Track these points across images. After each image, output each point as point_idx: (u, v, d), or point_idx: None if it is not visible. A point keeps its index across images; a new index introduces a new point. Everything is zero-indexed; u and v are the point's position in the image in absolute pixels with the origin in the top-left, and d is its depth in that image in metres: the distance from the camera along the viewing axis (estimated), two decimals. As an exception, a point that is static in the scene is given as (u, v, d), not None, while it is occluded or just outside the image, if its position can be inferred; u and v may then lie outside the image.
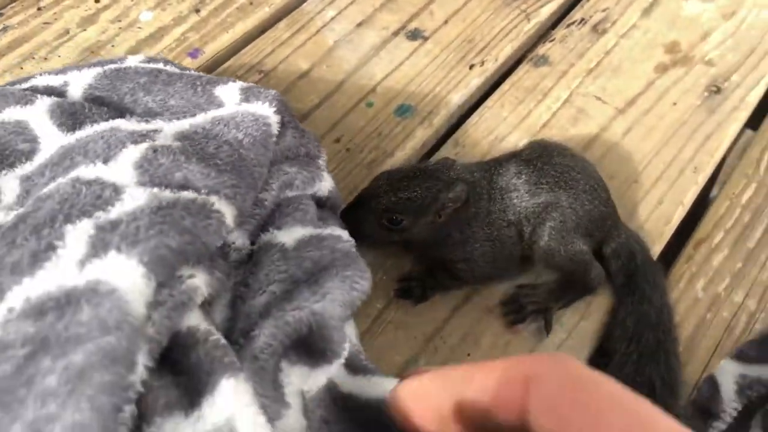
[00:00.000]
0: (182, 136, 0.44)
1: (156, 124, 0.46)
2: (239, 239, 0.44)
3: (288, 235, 0.45)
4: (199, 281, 0.35)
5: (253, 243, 0.45)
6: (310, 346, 0.40)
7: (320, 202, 0.52)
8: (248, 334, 0.37)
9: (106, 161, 0.40)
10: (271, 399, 0.35)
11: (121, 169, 0.39)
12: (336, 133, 0.66)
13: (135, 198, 0.36)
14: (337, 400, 0.40)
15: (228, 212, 0.38)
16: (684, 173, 0.65)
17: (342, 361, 0.42)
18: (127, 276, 0.30)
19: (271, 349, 0.36)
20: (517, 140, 0.66)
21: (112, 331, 0.27)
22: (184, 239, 0.33)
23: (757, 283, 0.59)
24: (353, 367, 0.42)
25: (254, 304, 0.40)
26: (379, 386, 0.40)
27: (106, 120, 0.47)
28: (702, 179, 0.65)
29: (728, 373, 0.51)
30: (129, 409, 0.27)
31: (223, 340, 0.34)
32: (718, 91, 0.71)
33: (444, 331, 0.55)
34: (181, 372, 0.32)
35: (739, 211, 0.63)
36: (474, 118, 0.68)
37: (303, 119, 0.66)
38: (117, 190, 0.37)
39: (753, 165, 0.66)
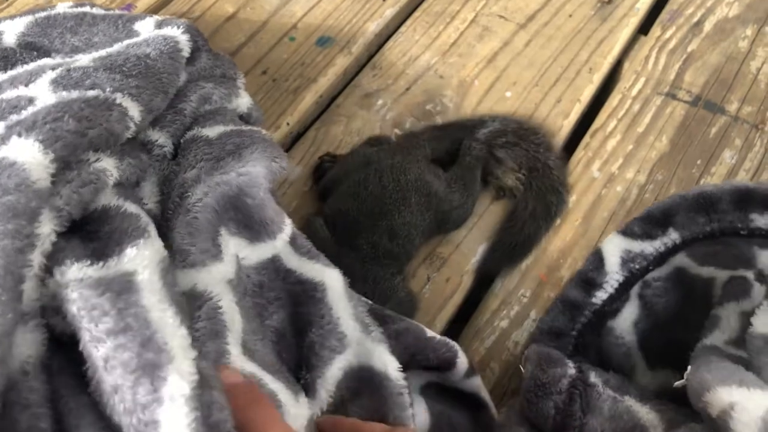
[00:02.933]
0: (97, 59, 0.49)
1: (77, 57, 0.51)
2: (161, 138, 0.50)
3: (211, 131, 0.51)
4: (106, 164, 0.40)
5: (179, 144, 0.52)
6: (247, 219, 0.46)
7: (242, 118, 0.57)
8: (182, 196, 0.44)
9: (27, 84, 0.45)
10: (202, 249, 0.41)
11: (39, 87, 0.44)
12: (262, 66, 0.71)
13: (44, 101, 0.41)
14: (279, 272, 0.46)
15: (132, 107, 0.44)
16: (580, 74, 0.72)
17: (286, 238, 0.48)
18: (24, 152, 0.35)
19: (201, 203, 0.43)
20: (429, 59, 0.73)
21: (12, 191, 0.32)
22: (81, 125, 0.38)
23: (645, 160, 0.66)
24: (298, 248, 0.48)
25: (186, 177, 0.46)
26: (318, 272, 0.47)
27: (35, 60, 0.53)
28: (597, 78, 0.72)
29: (615, 247, 0.56)
30: (35, 257, 0.32)
31: (136, 213, 0.39)
32: (610, 1, 0.78)
33: (369, 226, 0.61)
34: (94, 240, 0.36)
35: (630, 102, 0.70)
36: (389, 43, 0.75)
37: (231, 57, 0.72)
38: (31, 100, 0.42)
39: (642, 62, 0.73)
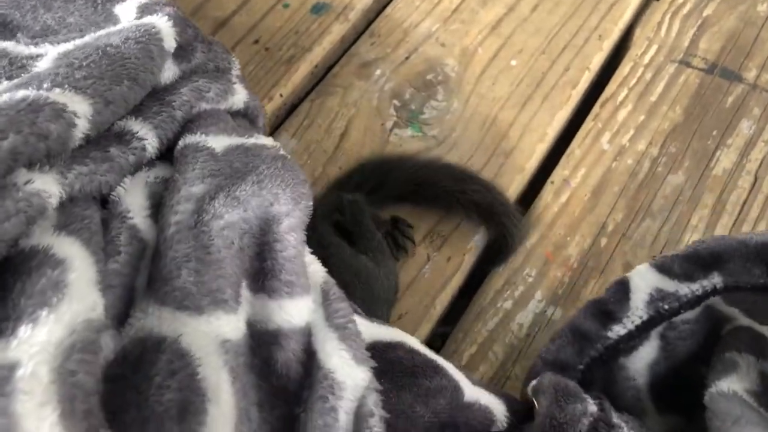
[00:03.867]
0: (62, 56, 0.43)
1: (43, 48, 0.46)
2: (141, 129, 0.43)
3: (216, 141, 0.44)
4: (41, 184, 0.33)
5: (170, 142, 0.45)
6: (275, 267, 0.38)
7: (238, 114, 0.51)
8: (197, 216, 0.37)
9: None
10: (207, 290, 0.35)
11: None
12: (254, 35, 0.68)
13: None
14: (306, 350, 0.38)
15: (77, 101, 0.37)
16: (590, 41, 0.68)
17: (317, 298, 0.40)
18: None
19: (220, 233, 0.37)
20: (430, 26, 0.69)
21: None
22: None
23: (658, 131, 0.63)
24: (332, 316, 0.40)
25: (193, 192, 0.39)
26: (346, 366, 0.37)
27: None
28: (607, 45, 0.68)
29: (645, 283, 0.47)
30: None
31: (63, 258, 0.32)
32: (621, -37, 0.74)
33: (367, 202, 0.58)
34: (1, 301, 0.30)
35: (642, 70, 0.67)
36: (388, 10, 0.71)
37: (222, 26, 0.68)
38: None
39: (654, 28, 0.69)
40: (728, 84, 0.65)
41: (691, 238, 0.57)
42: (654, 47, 0.68)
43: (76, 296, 0.30)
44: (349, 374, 0.37)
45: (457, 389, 0.41)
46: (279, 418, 0.36)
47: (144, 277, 0.37)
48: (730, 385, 0.41)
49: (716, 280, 0.45)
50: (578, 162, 0.61)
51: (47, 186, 0.33)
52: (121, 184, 0.40)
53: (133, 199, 0.40)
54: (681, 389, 0.46)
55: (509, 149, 0.62)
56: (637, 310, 0.46)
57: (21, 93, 0.35)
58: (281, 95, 0.64)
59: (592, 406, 0.40)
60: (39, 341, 0.28)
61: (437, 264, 0.56)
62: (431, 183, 0.57)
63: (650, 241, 0.57)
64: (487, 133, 0.63)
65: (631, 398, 0.46)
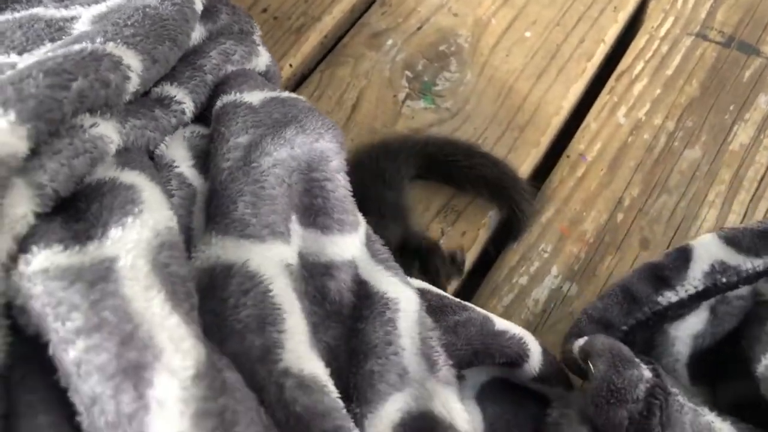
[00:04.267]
0: (99, 17, 0.44)
1: (74, 10, 0.46)
2: (179, 94, 0.44)
3: (251, 96, 0.45)
4: (104, 129, 0.35)
5: (205, 107, 0.46)
6: (324, 204, 0.40)
7: (261, 77, 0.52)
8: (247, 161, 0.38)
9: (20, 53, 0.40)
10: (264, 223, 0.36)
11: (32, 59, 0.37)
12: (263, 4, 0.66)
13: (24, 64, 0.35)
14: (354, 281, 0.40)
15: (129, 55, 0.37)
16: (605, 12, 0.67)
17: (363, 238, 0.41)
18: None
19: (270, 173, 0.38)
20: (443, -5, 0.68)
21: None
22: (60, 78, 0.32)
23: (674, 105, 0.62)
24: (375, 253, 0.42)
25: (239, 142, 0.40)
26: (394, 287, 0.40)
27: (26, 7, 0.47)
28: (622, 17, 0.67)
29: (709, 254, 0.46)
30: (1, 242, 0.27)
31: (131, 183, 0.33)
32: (637, -67, 0.72)
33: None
34: (80, 221, 0.31)
35: (658, 42, 0.65)
36: (399, -22, 0.69)
37: (229, -7, 0.66)
38: (13, 66, 0.36)
39: (670, 0, 0.68)
40: (746, 57, 0.64)
41: (708, 213, 0.56)
42: (670, 19, 0.67)
43: (154, 209, 0.32)
44: (400, 292, 0.40)
45: (487, 319, 0.43)
46: (334, 337, 0.38)
47: (199, 220, 0.39)
48: None
49: None
50: (594, 136, 0.60)
51: (109, 132, 0.35)
52: (164, 142, 0.42)
53: (175, 151, 0.41)
54: (716, 362, 0.45)
55: (524, 123, 0.60)
56: (694, 280, 0.45)
57: (77, 46, 0.36)
58: (291, 65, 0.62)
59: (647, 372, 0.40)
60: (132, 239, 0.29)
61: (451, 239, 0.55)
62: (440, 160, 0.56)
63: (667, 217, 0.56)
64: (501, 106, 0.61)
65: (668, 364, 0.46)
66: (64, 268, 0.27)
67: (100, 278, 0.27)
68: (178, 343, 0.27)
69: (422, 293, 0.41)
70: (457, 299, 0.44)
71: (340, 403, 0.32)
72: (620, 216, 0.56)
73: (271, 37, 0.64)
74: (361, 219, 0.42)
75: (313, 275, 0.39)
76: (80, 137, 0.33)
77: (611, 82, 0.63)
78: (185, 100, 0.43)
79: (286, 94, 0.46)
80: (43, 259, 0.27)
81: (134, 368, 0.25)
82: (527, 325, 0.51)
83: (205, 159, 0.41)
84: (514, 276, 0.53)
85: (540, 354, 0.43)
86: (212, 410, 0.26)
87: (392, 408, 0.36)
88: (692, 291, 0.45)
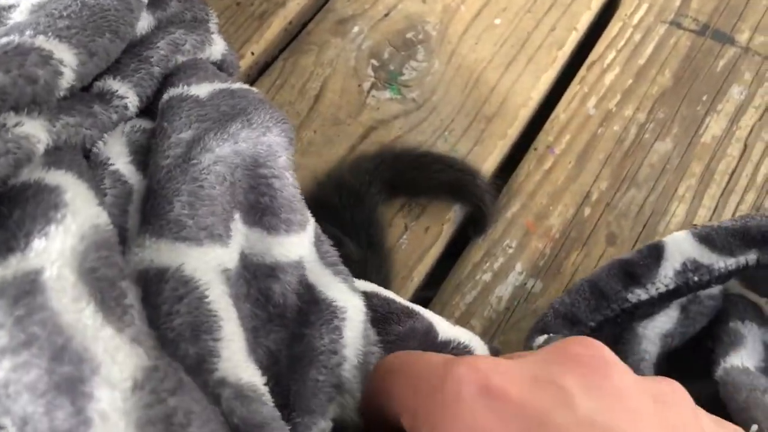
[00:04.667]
0: (38, 6, 0.41)
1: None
2: (121, 88, 0.41)
3: (199, 89, 0.42)
4: (30, 128, 0.32)
5: (152, 100, 0.44)
6: (270, 202, 0.38)
7: (214, 66, 0.51)
8: (186, 159, 0.36)
9: None
10: (201, 225, 0.34)
11: None
12: (225, -12, 0.64)
13: None
14: (301, 283, 0.38)
15: (62, 49, 0.35)
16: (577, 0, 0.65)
17: (311, 237, 0.39)
18: None
19: (209, 171, 0.36)
20: (411, -19, 0.66)
21: None
22: None
23: (646, 97, 0.60)
24: (324, 255, 0.40)
25: (181, 138, 0.38)
26: (343, 295, 0.38)
27: None
28: (596, 4, 0.65)
29: (680, 252, 0.45)
30: None
31: (56, 185, 0.31)
32: None
33: (342, 168, 0.56)
34: (0, 228, 0.29)
35: (631, 31, 0.64)
36: (367, -37, 0.67)
37: (190, -23, 0.64)
38: None
39: (645, -14, 0.66)
40: (720, 46, 0.63)
41: (677, 208, 0.55)
42: (644, 6, 0.65)
43: (78, 209, 0.30)
44: (347, 300, 0.38)
45: (431, 329, 0.41)
46: (275, 341, 0.36)
47: (135, 220, 0.37)
48: (742, 361, 0.40)
49: (751, 257, 0.43)
50: (563, 127, 0.59)
51: (36, 131, 0.32)
52: (102, 139, 0.39)
53: (112, 148, 0.39)
54: (684, 361, 0.45)
55: (491, 114, 0.59)
56: (665, 278, 0.44)
57: (4, 39, 0.34)
58: (252, 53, 0.61)
59: None
60: (55, 249, 0.28)
61: (415, 234, 0.53)
62: (396, 175, 0.54)
63: (635, 212, 0.55)
64: (469, 97, 0.60)
65: (634, 363, 0.45)
66: None
67: (25, 293, 0.26)
68: (113, 353, 0.25)
69: (369, 298, 0.40)
70: (406, 303, 0.42)
71: (278, 413, 0.31)
72: (587, 210, 0.55)
73: (233, 24, 0.62)
74: (309, 217, 0.40)
75: (256, 276, 0.37)
76: (2, 137, 0.30)
77: (582, 71, 0.62)
78: (128, 95, 0.41)
79: (237, 85, 0.44)
80: None
81: (69, 383, 0.24)
82: (490, 323, 0.50)
83: (145, 155, 0.39)
84: (478, 272, 0.52)
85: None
86: (158, 416, 0.25)
87: (328, 418, 0.35)
88: (663, 289, 0.45)
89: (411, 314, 0.41)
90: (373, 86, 0.60)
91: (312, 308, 0.37)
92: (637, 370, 0.44)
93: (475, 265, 0.53)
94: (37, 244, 0.28)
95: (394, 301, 0.41)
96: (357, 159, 0.54)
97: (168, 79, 0.44)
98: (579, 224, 0.54)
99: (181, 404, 0.26)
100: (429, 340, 0.40)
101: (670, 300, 0.45)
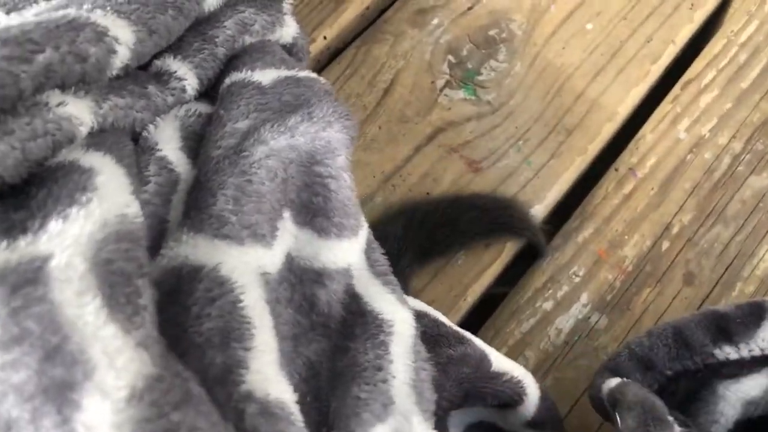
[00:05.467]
0: None
1: None
2: (181, 69, 0.39)
3: (263, 75, 0.40)
4: (74, 108, 0.30)
5: (213, 83, 0.42)
6: (324, 203, 0.36)
7: (284, 50, 0.48)
8: (238, 150, 0.34)
9: (8, 12, 0.36)
10: (245, 223, 0.32)
11: (18, 19, 0.34)
12: (303, -35, 0.61)
13: None
14: (347, 292, 0.36)
15: (119, 25, 0.33)
16: (679, 10, 0.60)
17: (362, 245, 0.37)
18: None
19: (261, 165, 0.33)
20: (500, -26, 0.61)
21: None
22: (21, 49, 0.28)
23: (745, 124, 0.55)
24: (374, 264, 0.37)
25: (237, 127, 0.36)
26: (391, 307, 0.36)
27: None
28: (699, 17, 0.60)
29: None
30: None
31: (90, 167, 0.29)
32: None
33: (404, 170, 0.52)
34: (22, 209, 0.28)
35: (736, 50, 0.58)
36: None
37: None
38: None
39: (757, 2, 0.60)
40: (835, 76, 0.57)
41: (767, 252, 0.50)
42: (754, 23, 0.59)
43: (107, 195, 0.28)
44: (396, 313, 0.35)
45: (483, 358, 0.38)
46: (317, 352, 0.34)
47: (178, 211, 0.35)
48: None
49: None
50: (648, 150, 0.54)
51: (80, 112, 0.30)
52: (154, 123, 0.37)
53: (162, 132, 0.37)
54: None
55: (572, 126, 0.55)
56: (763, 341, 0.40)
57: (60, 12, 0.32)
58: (325, 38, 0.57)
59: None
60: (72, 234, 0.26)
61: (473, 250, 0.50)
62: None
63: (719, 251, 0.50)
64: (550, 105, 0.55)
65: (706, 424, 0.41)
66: None
67: (26, 281, 0.24)
68: (113, 357, 0.23)
69: (418, 318, 0.37)
70: (456, 328, 0.39)
71: None
72: (666, 244, 0.50)
73: (307, 5, 0.59)
74: (363, 222, 0.37)
75: (302, 281, 0.35)
76: (42, 117, 0.29)
77: (676, 89, 0.57)
78: (188, 77, 0.39)
79: (304, 73, 0.41)
80: None
81: (59, 388, 0.22)
82: (546, 357, 0.47)
83: (197, 142, 0.37)
84: (538, 299, 0.48)
85: (537, 398, 0.39)
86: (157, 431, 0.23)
87: None
88: (758, 353, 0.40)
89: (462, 340, 0.38)
90: (447, 84, 0.56)
91: (357, 320, 0.35)
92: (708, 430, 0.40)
93: (537, 291, 0.49)
94: (53, 226, 0.26)
95: (444, 324, 0.39)
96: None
97: (232, 61, 0.41)
98: (655, 258, 0.50)
99: (185, 419, 0.23)
100: (483, 369, 0.37)
101: (762, 366, 0.40)
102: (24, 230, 0.25)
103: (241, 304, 0.30)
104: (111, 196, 0.28)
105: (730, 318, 0.40)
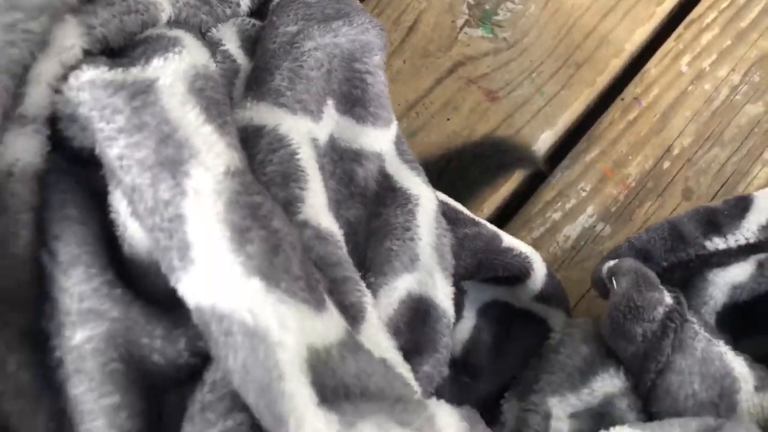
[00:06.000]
0: None
1: None
2: None
3: None
4: None
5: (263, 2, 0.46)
6: (362, 95, 0.41)
7: None
8: (291, 44, 0.39)
9: None
10: (297, 98, 0.37)
11: None
12: None
13: None
14: (380, 172, 0.41)
15: None
16: (684, -43, 0.64)
17: (393, 136, 0.42)
18: None
19: (310, 55, 0.39)
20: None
21: None
22: None
23: (743, 59, 0.59)
24: (402, 153, 0.43)
25: (288, 30, 0.41)
26: (417, 186, 0.41)
27: None
28: (703, -36, 0.64)
29: None
30: (50, 66, 0.30)
31: (177, 36, 0.35)
32: None
33: (426, 99, 0.57)
34: (123, 58, 0.33)
35: (736, -8, 0.62)
36: None
37: None
38: None
39: (758, -51, 0.65)
40: (829, 17, 0.61)
41: (760, 171, 0.54)
42: (754, -31, 0.63)
43: (192, 51, 0.34)
44: (421, 191, 0.41)
45: (495, 236, 0.44)
46: (355, 215, 0.40)
47: (239, 92, 0.40)
48: None
49: None
50: (652, 82, 0.58)
51: (162, 1, 0.36)
52: (215, 27, 0.43)
53: (224, 34, 0.42)
54: (750, 317, 0.45)
55: (582, 61, 0.59)
56: (748, 231, 0.44)
57: None
58: (354, -19, 0.62)
59: (668, 298, 0.40)
60: (171, 68, 0.31)
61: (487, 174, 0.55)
62: None
63: (716, 170, 0.54)
64: (561, 42, 0.60)
65: (698, 305, 0.45)
66: (109, 81, 0.30)
67: (141, 91, 0.30)
68: (211, 146, 0.29)
69: (440, 203, 0.43)
70: (471, 215, 0.44)
71: (351, 260, 0.35)
72: (666, 164, 0.55)
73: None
74: (393, 118, 0.43)
75: (342, 158, 0.40)
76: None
77: (680, 29, 0.61)
78: None
79: None
80: (91, 74, 0.30)
81: (171, 162, 0.28)
82: (554, 259, 0.51)
83: (253, 44, 0.43)
84: (548, 211, 0.53)
85: (544, 275, 0.44)
86: (246, 202, 0.28)
87: (402, 285, 0.38)
88: (743, 242, 0.44)
89: (477, 223, 0.43)
90: (466, 23, 0.61)
91: (389, 194, 0.41)
92: (699, 314, 0.45)
93: (547, 204, 0.53)
94: (156, 62, 0.32)
95: (462, 212, 0.44)
96: None
97: None
98: (657, 176, 0.54)
99: (266, 202, 0.29)
100: (494, 244, 0.42)
101: (748, 254, 0.45)
102: (132, 65, 0.31)
103: (297, 156, 0.35)
104: (195, 53, 0.34)
105: (718, 211, 0.45)
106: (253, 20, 0.44)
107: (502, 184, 0.54)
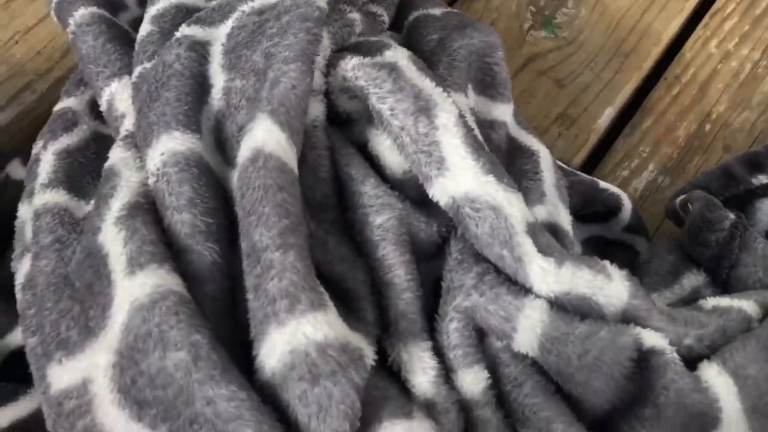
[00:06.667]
0: None
1: None
2: (378, 9, 0.56)
3: (435, 10, 0.57)
4: (355, 17, 0.50)
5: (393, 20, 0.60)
6: (491, 77, 0.53)
7: None
8: (442, 45, 0.52)
9: None
10: (455, 82, 0.50)
11: None
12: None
13: None
14: (508, 136, 0.54)
15: None
16: (703, -40, 0.78)
17: (512, 111, 0.54)
18: None
19: (457, 53, 0.51)
20: (561, -55, 0.80)
21: (302, 5, 0.43)
22: None
23: (760, 40, 0.73)
24: (519, 122, 0.53)
25: (432, 38, 0.53)
26: (534, 143, 0.54)
27: None
28: (719, -35, 0.78)
29: None
30: (320, 56, 0.43)
31: (381, 39, 0.49)
32: None
33: (507, 90, 0.71)
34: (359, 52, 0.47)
35: (749, -14, 0.76)
36: (523, -70, 0.82)
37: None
38: None
39: (763, -50, 0.78)
40: (827, 1, 0.74)
41: (784, 127, 0.67)
42: (762, -33, 0.77)
43: (401, 49, 0.47)
44: (539, 147, 0.54)
45: (593, 182, 0.57)
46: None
47: None
48: None
49: None
50: (688, 63, 0.72)
51: (356, 19, 0.50)
52: None
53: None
54: None
55: (628, 51, 0.73)
56: None
57: None
58: None
59: (732, 215, 0.52)
60: (401, 55, 0.46)
61: (567, 140, 0.68)
62: None
63: (748, 128, 0.68)
64: (610, 37, 0.74)
65: (750, 224, 0.55)
66: (372, 63, 0.43)
67: (392, 68, 0.42)
68: (445, 99, 0.42)
69: None
70: (572, 169, 0.58)
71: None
72: (708, 126, 0.68)
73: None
74: (511, 97, 0.55)
75: (482, 125, 0.52)
76: (343, 17, 0.49)
77: (706, 19, 0.75)
78: (384, 15, 0.57)
79: (454, 10, 0.59)
80: (355, 61, 0.43)
81: (425, 110, 0.41)
82: (627, 207, 0.64)
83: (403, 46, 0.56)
84: (618, 170, 0.66)
85: (630, 210, 0.57)
86: (473, 133, 0.41)
87: (536, 214, 0.50)
88: None
89: (577, 174, 0.58)
90: (531, 27, 0.74)
91: (516, 151, 0.54)
92: (749, 229, 0.58)
93: (616, 165, 0.67)
94: (388, 53, 0.45)
95: (564, 167, 0.57)
96: None
97: (405, 5, 0.59)
98: (700, 137, 0.68)
99: (479, 135, 0.44)
100: (593, 187, 0.56)
101: None
102: (372, 54, 0.45)
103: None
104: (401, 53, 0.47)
105: (761, 154, 0.58)
106: (395, 33, 0.58)
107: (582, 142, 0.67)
